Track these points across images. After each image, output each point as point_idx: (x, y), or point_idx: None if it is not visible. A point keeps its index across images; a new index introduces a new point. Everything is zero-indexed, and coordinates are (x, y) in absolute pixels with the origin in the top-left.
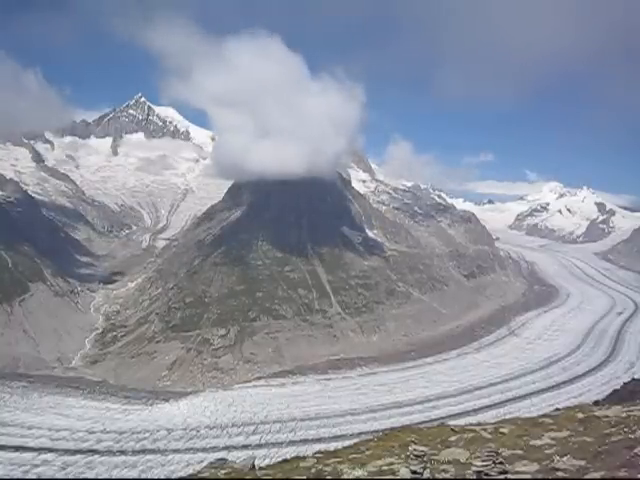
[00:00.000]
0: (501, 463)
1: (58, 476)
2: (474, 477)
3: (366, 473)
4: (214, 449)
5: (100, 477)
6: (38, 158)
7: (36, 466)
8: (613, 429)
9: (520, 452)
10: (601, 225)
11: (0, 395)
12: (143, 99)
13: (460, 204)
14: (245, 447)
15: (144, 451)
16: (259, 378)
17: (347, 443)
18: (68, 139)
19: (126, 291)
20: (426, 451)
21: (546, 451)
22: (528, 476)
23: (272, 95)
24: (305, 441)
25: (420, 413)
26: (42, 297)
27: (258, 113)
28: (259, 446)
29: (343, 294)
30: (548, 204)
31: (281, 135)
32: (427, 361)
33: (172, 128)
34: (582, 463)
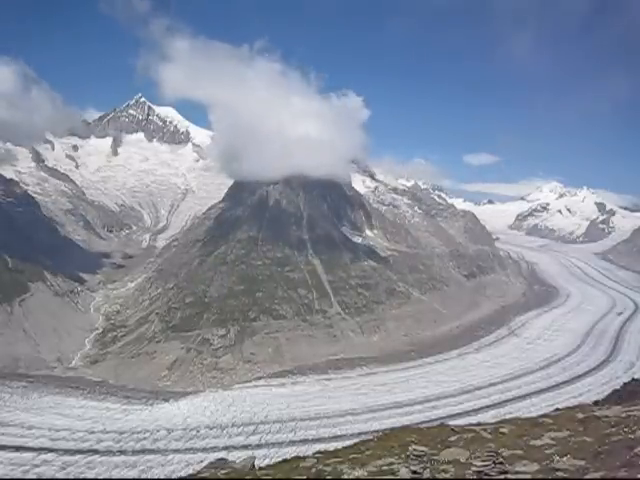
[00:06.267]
0: (501, 463)
1: (58, 476)
2: (474, 477)
3: (366, 473)
4: (214, 449)
5: (100, 477)
6: (38, 158)
7: (36, 466)
8: (613, 429)
9: (520, 452)
10: (601, 225)
11: (0, 395)
12: (143, 99)
13: (460, 204)
14: (245, 447)
15: (144, 451)
16: (259, 378)
17: (347, 443)
18: (68, 139)
19: (126, 291)
20: (426, 451)
21: (546, 451)
22: (528, 476)
23: (271, 94)
24: (305, 441)
25: (420, 413)
26: (42, 297)
27: (257, 113)
28: (259, 446)
29: (343, 294)
30: (548, 204)
31: (281, 135)
32: (427, 361)
33: (172, 128)
34: (582, 463)
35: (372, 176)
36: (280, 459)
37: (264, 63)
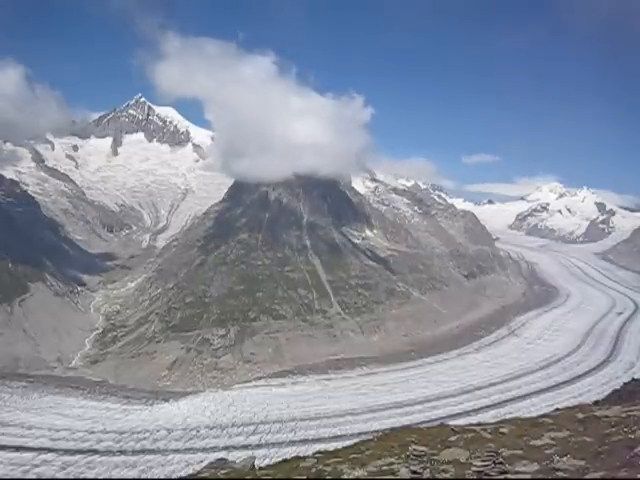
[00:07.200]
0: (501, 463)
1: (58, 476)
2: (474, 477)
3: (366, 473)
4: (214, 449)
5: (100, 477)
6: (38, 158)
7: (36, 466)
8: (613, 429)
9: (520, 452)
10: (601, 225)
11: (0, 395)
12: (143, 99)
13: (460, 204)
14: (245, 447)
15: (144, 451)
16: (259, 378)
17: (347, 443)
18: (68, 139)
19: (126, 291)
20: (426, 451)
21: (546, 451)
22: (528, 476)
23: (272, 94)
24: (305, 441)
25: (420, 413)
26: (42, 297)
27: (258, 112)
28: (259, 446)
29: (343, 294)
30: (548, 204)
31: (281, 135)
32: (427, 361)
33: (172, 128)
34: (582, 463)
35: (372, 176)
36: (280, 459)
37: (264, 62)
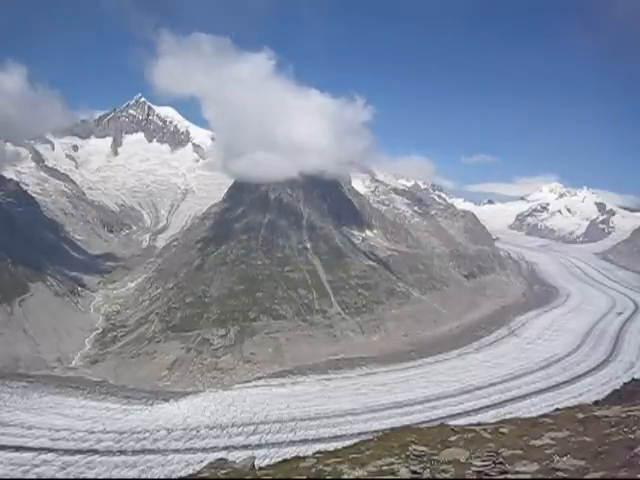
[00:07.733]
0: (501, 463)
1: (58, 476)
2: (474, 477)
3: (366, 473)
4: (214, 449)
5: (100, 477)
6: (38, 158)
7: (36, 466)
8: (613, 429)
9: (520, 452)
10: (601, 225)
11: (0, 395)
12: (143, 99)
13: (460, 204)
14: (245, 447)
15: (144, 451)
16: (259, 378)
17: (347, 443)
18: (68, 139)
19: (126, 291)
20: (426, 451)
21: (546, 451)
22: (528, 476)
23: (274, 93)
24: (305, 441)
25: (420, 413)
26: (42, 297)
27: (257, 112)
28: (259, 446)
29: (343, 294)
30: (548, 204)
31: (282, 135)
32: (427, 361)
33: (172, 128)
34: (582, 463)
35: (372, 176)
36: (280, 459)
37: (260, 58)
